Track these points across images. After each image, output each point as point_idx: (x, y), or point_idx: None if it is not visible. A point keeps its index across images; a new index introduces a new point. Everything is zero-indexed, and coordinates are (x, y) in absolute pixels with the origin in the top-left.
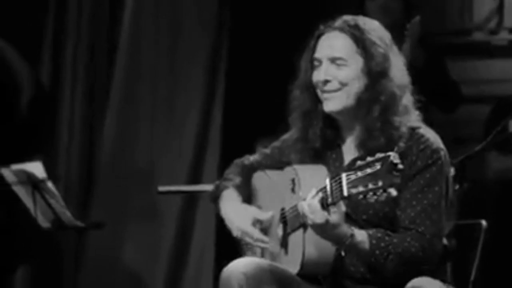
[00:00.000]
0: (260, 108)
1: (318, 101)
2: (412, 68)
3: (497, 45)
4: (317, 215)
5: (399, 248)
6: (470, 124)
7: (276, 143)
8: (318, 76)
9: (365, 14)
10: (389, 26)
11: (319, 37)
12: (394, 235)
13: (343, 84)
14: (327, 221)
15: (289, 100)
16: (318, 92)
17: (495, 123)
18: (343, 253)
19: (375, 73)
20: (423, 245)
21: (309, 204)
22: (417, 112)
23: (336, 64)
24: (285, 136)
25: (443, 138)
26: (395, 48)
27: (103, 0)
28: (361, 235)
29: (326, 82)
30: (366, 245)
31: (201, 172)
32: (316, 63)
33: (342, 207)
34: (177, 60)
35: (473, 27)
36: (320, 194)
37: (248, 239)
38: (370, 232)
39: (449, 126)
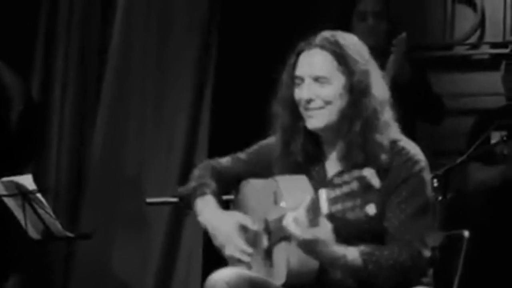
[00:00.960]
0: (249, 109)
1: (299, 118)
2: (396, 83)
3: (478, 59)
4: (304, 231)
5: (390, 260)
6: (451, 137)
7: (250, 150)
8: (300, 94)
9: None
10: (374, 47)
11: (299, 54)
12: (383, 247)
13: (326, 103)
14: (316, 237)
15: (270, 114)
16: (301, 109)
17: (478, 136)
18: (338, 275)
19: (357, 90)
20: (412, 253)
21: (295, 219)
22: (396, 124)
23: (319, 83)
24: (264, 142)
25: (425, 151)
26: (374, 63)
27: (95, 0)
28: (352, 254)
29: (309, 100)
30: (359, 262)
31: (189, 174)
32: (297, 81)
33: (327, 223)
34: (166, 61)
35: (455, 42)
36: (304, 208)
37: (230, 249)
38: (361, 248)
39: (431, 139)
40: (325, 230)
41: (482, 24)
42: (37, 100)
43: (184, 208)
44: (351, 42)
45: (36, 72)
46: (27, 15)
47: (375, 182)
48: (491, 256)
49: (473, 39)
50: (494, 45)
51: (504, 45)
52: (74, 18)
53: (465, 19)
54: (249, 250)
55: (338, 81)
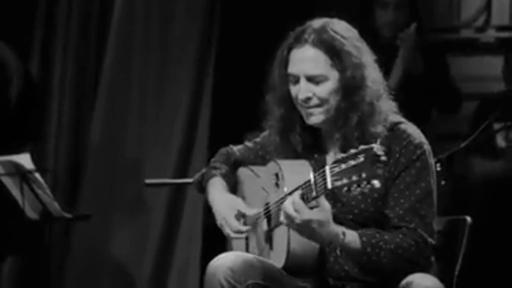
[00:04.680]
0: (249, 102)
1: (295, 110)
2: (410, 74)
3: (484, 42)
4: (303, 213)
5: (391, 244)
6: (456, 121)
7: (258, 139)
8: (297, 93)
9: (374, 19)
10: (390, 37)
11: (290, 50)
12: (385, 232)
13: (323, 100)
14: (313, 218)
15: (264, 108)
16: (297, 106)
17: (480, 120)
18: (338, 253)
19: (351, 85)
20: (416, 240)
21: (293, 203)
22: (393, 104)
23: (313, 81)
24: (265, 133)
25: (430, 134)
26: (367, 49)
27: None
28: (351, 234)
29: (307, 99)
30: (358, 243)
31: (188, 166)
32: (291, 78)
33: (326, 204)
34: (166, 54)
35: (461, 25)
36: (300, 191)
37: (227, 230)
38: (360, 231)
39: (435, 122)
40: (324, 211)
41: (488, 7)
42: (37, 79)
43: (199, 193)
44: (343, 32)
45: (35, 52)
46: (26, 6)
47: (383, 154)
48: (492, 243)
49: (479, 23)
50: (500, 29)
51: (510, 28)
52: (74, 8)
53: (471, 2)
54: (244, 228)
55: (332, 78)
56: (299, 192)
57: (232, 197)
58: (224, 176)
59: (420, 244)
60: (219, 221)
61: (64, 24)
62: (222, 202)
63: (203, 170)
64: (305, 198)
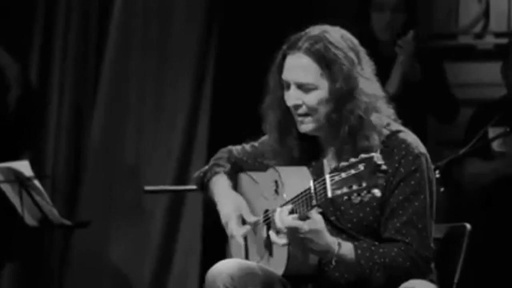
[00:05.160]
0: (248, 107)
1: (290, 116)
2: (407, 81)
3: (482, 49)
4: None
5: (386, 258)
6: (454, 127)
7: (256, 144)
8: (288, 99)
9: (370, 24)
10: (389, 41)
11: (284, 56)
12: (381, 245)
13: (311, 109)
14: (305, 229)
15: (262, 112)
16: (292, 112)
17: (476, 126)
18: (333, 263)
19: (341, 96)
20: (411, 255)
21: (282, 221)
22: (392, 111)
23: (303, 89)
24: (264, 138)
25: (427, 141)
26: (362, 55)
27: None
28: (346, 246)
29: (296, 107)
30: (352, 255)
31: (187, 172)
32: (285, 84)
33: (318, 216)
34: (165, 58)
35: (459, 31)
36: (289, 206)
37: (229, 232)
38: (356, 243)
39: (433, 129)
40: (316, 222)
41: (486, 13)
42: (35, 85)
43: (199, 190)
44: (338, 42)
45: (34, 58)
46: (25, 9)
47: (383, 164)
48: (490, 249)
49: (477, 29)
50: (498, 35)
51: (509, 35)
52: (72, 13)
53: (469, 8)
54: (241, 241)
55: (322, 87)
56: (286, 210)
57: (236, 195)
58: (228, 174)
59: (415, 260)
60: (223, 220)
61: (63, 24)
62: (227, 201)
63: (206, 167)
64: (298, 212)
